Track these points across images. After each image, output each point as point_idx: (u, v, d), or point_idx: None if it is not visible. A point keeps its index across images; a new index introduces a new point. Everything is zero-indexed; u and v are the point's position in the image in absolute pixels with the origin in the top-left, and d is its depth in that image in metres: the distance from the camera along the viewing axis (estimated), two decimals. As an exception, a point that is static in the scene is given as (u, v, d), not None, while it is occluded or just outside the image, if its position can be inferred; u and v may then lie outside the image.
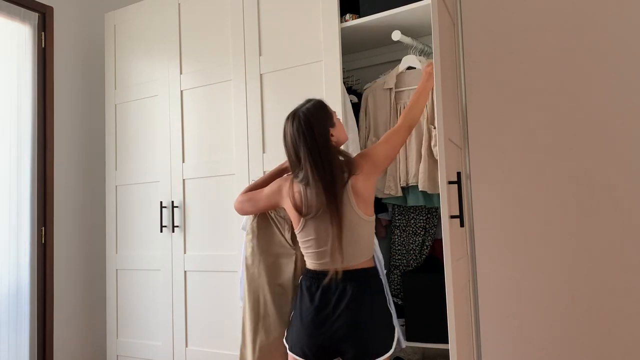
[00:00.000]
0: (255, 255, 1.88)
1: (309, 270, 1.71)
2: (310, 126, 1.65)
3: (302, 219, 1.67)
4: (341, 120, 2.05)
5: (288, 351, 1.71)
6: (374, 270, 1.70)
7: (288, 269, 1.84)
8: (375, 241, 1.82)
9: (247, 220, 1.92)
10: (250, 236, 1.89)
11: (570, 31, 2.06)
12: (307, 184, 1.65)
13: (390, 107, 2.14)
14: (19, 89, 2.74)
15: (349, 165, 1.65)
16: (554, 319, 2.03)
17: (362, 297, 1.61)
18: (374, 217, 1.70)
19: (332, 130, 1.69)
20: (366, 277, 1.65)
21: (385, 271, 1.83)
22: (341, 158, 1.68)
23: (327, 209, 1.61)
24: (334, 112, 1.75)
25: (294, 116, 1.68)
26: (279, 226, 1.88)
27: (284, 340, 1.76)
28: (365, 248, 1.67)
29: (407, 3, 2.01)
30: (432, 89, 1.92)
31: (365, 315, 1.60)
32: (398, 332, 1.68)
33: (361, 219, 1.64)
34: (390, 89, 2.13)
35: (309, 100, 1.73)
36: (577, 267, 2.00)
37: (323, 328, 1.62)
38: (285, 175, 1.81)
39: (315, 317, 1.64)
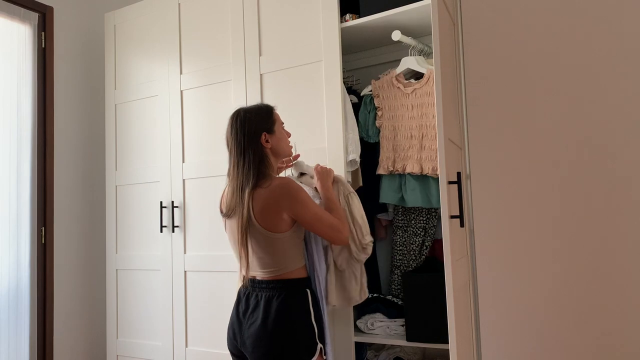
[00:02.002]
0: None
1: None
2: (243, 123, 1.66)
3: (223, 218, 1.71)
4: (341, 121, 2.05)
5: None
6: (296, 282, 1.65)
7: None
8: (316, 252, 1.76)
9: None
10: None
11: (571, 31, 2.06)
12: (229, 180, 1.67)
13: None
14: (19, 89, 2.74)
15: (260, 177, 1.61)
16: (554, 319, 2.03)
17: (271, 309, 1.58)
18: (288, 233, 1.62)
19: (268, 136, 1.67)
20: (283, 289, 1.62)
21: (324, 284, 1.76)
22: (263, 169, 1.64)
23: (234, 210, 1.62)
24: (282, 123, 1.74)
25: (233, 114, 1.71)
26: None
27: None
28: (281, 260, 1.63)
29: (407, 3, 2.01)
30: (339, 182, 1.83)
31: (271, 329, 1.56)
32: (322, 351, 1.61)
33: (263, 234, 1.60)
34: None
35: (258, 103, 1.76)
36: (578, 266, 2.00)
37: (237, 334, 1.65)
38: None
39: (234, 322, 1.68)
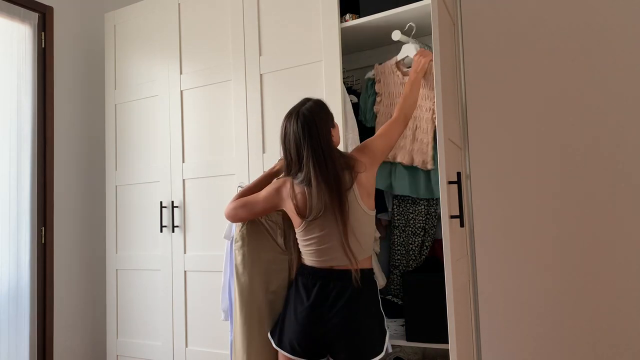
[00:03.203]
0: (246, 263, 1.81)
1: (306, 267, 1.69)
2: (314, 124, 1.61)
3: (305, 219, 1.64)
4: (341, 121, 2.06)
5: (275, 346, 1.69)
6: (371, 271, 1.70)
7: (281, 275, 1.82)
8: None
9: (233, 228, 1.89)
10: (239, 243, 1.83)
11: (571, 31, 2.06)
12: (309, 185, 1.61)
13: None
14: (19, 89, 2.74)
15: (352, 163, 1.64)
16: (554, 319, 2.03)
17: (359, 297, 1.60)
18: (375, 211, 1.72)
19: (332, 131, 1.69)
20: (364, 277, 1.64)
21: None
22: (342, 157, 1.68)
23: (331, 209, 1.58)
24: (332, 113, 1.76)
25: (296, 114, 1.64)
26: (271, 231, 1.84)
27: (269, 335, 1.73)
28: (367, 245, 1.67)
29: (407, 3, 2.01)
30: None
31: (361, 317, 1.59)
32: (387, 337, 1.66)
33: (366, 214, 1.65)
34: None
35: (308, 99, 1.70)
36: (577, 266, 2.00)
37: (318, 325, 1.60)
38: (281, 177, 1.77)
39: (310, 314, 1.61)
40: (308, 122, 1.62)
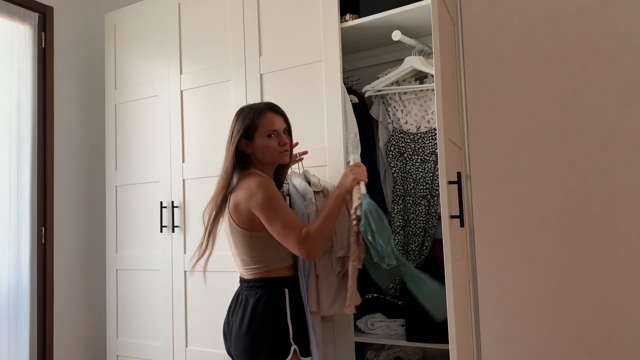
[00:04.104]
0: None
1: None
2: (233, 123, 1.70)
3: None
4: (340, 121, 2.05)
5: None
6: (275, 281, 1.64)
7: None
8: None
9: None
10: None
11: (571, 31, 2.06)
12: None
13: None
14: (19, 89, 2.74)
15: (239, 178, 1.63)
16: (554, 319, 2.03)
17: (248, 308, 1.61)
18: (258, 233, 1.61)
19: (247, 143, 1.66)
20: (261, 287, 1.63)
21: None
22: (240, 168, 1.66)
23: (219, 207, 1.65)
24: (272, 130, 1.65)
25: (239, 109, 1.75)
26: None
27: None
28: (262, 258, 1.63)
29: (407, 3, 2.01)
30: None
31: (245, 329, 1.59)
32: (296, 352, 1.58)
33: (241, 233, 1.62)
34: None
35: (264, 104, 1.74)
36: (578, 267, 2.00)
37: (227, 333, 1.70)
38: None
39: (224, 322, 1.73)
40: (235, 117, 1.72)
